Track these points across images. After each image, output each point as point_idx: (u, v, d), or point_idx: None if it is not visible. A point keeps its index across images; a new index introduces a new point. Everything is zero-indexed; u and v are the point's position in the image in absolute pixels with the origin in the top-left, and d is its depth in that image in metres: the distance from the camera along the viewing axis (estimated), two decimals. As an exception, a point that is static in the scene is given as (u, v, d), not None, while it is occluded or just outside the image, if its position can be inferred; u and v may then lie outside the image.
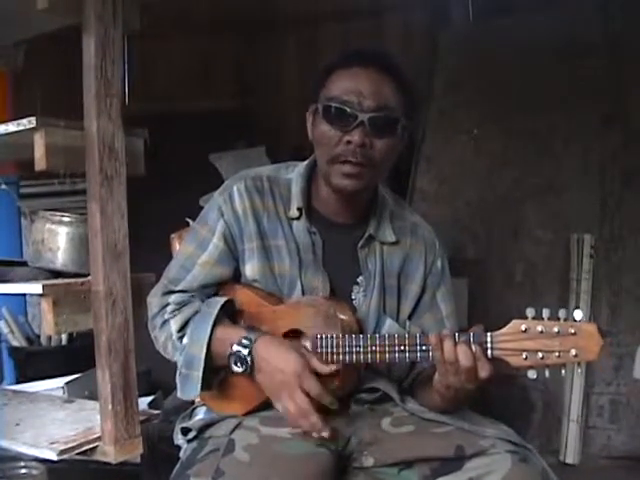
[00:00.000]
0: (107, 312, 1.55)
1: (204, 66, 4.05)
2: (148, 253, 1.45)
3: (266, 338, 1.17)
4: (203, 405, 1.34)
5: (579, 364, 1.01)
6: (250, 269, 1.27)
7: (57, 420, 1.73)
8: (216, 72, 4.05)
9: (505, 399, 2.81)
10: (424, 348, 1.10)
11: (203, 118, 3.67)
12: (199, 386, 1.18)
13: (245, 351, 1.15)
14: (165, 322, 1.27)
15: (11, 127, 1.60)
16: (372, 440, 1.20)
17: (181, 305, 1.27)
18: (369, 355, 1.13)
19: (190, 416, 1.35)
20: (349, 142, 1.17)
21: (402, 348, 1.11)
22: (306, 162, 1.34)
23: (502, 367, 1.06)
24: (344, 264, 1.29)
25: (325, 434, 1.10)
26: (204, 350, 1.17)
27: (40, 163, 1.56)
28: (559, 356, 1.00)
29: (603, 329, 3.02)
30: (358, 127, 1.17)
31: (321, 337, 1.15)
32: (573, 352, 0.99)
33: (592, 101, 2.99)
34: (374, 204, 1.33)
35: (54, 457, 1.50)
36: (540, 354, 1.01)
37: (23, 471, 1.76)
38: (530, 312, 1.03)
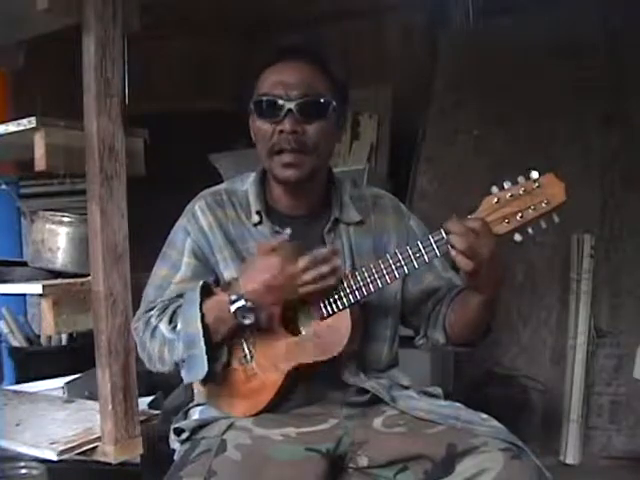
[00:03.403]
0: (107, 312, 1.56)
1: (204, 66, 4.05)
2: (148, 253, 1.44)
3: (244, 278, 1.19)
4: (198, 406, 1.33)
5: (555, 213, 1.10)
6: (228, 275, 1.29)
7: (57, 420, 1.73)
8: (216, 72, 4.04)
9: (505, 399, 2.82)
10: (417, 255, 1.15)
11: (203, 118, 3.66)
12: (205, 362, 1.17)
13: (242, 302, 1.16)
14: (154, 329, 1.25)
15: (11, 127, 1.60)
16: (364, 440, 1.20)
17: (164, 309, 1.27)
18: (370, 285, 1.18)
19: (185, 417, 1.34)
20: (281, 131, 1.23)
21: (398, 264, 1.17)
22: (257, 170, 1.38)
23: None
24: None
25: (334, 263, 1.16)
26: (199, 325, 1.17)
27: (40, 163, 1.57)
28: (534, 209, 1.10)
29: (603, 329, 3.01)
30: (287, 115, 1.22)
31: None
32: (544, 201, 1.09)
33: (592, 101, 2.99)
34: (332, 190, 1.37)
35: (54, 457, 1.50)
36: (518, 215, 1.10)
37: (23, 471, 1.77)
38: (494, 189, 1.13)
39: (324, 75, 1.26)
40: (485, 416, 1.21)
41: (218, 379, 1.25)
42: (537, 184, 1.10)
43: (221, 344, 1.23)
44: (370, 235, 1.35)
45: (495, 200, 1.11)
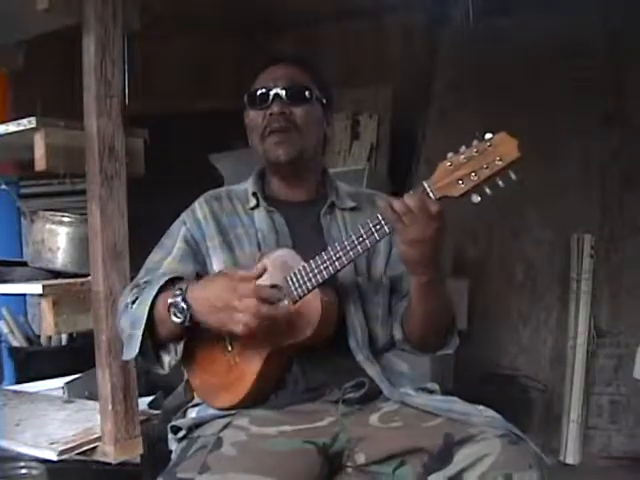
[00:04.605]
0: (107, 312, 1.56)
1: (204, 66, 4.05)
2: (148, 253, 1.45)
3: (196, 282, 1.24)
4: (195, 405, 1.35)
5: (511, 170, 1.09)
6: (216, 263, 1.34)
7: (57, 420, 1.73)
8: (216, 72, 4.04)
9: (505, 399, 2.81)
10: (378, 227, 1.17)
11: (203, 118, 3.66)
12: (138, 344, 1.21)
13: (179, 299, 1.18)
14: (126, 306, 1.30)
15: (11, 127, 1.60)
16: (361, 436, 1.20)
17: (142, 288, 1.30)
18: (337, 263, 1.20)
19: (184, 416, 1.35)
20: (271, 114, 1.34)
21: (361, 239, 1.18)
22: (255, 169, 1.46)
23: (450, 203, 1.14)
24: (310, 237, 1.35)
25: (287, 301, 1.20)
26: (147, 309, 1.21)
27: (40, 163, 1.56)
28: (487, 167, 1.09)
29: (603, 329, 3.00)
30: (275, 100, 1.34)
31: (289, 276, 1.22)
32: (497, 159, 1.08)
33: (592, 101, 2.99)
34: (327, 182, 1.44)
35: (54, 457, 1.50)
36: (472, 175, 1.10)
37: (23, 471, 1.77)
38: (450, 154, 1.14)
39: (308, 75, 1.38)
40: (482, 407, 1.20)
41: (168, 369, 1.29)
42: (489, 144, 1.10)
43: (176, 339, 1.25)
44: (364, 219, 1.36)
45: (448, 164, 1.13)
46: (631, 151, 2.94)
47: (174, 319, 1.19)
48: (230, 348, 1.27)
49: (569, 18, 3.03)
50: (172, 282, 1.26)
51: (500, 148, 1.09)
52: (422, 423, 1.18)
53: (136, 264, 1.60)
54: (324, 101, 1.40)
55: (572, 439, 2.80)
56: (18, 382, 2.81)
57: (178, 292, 1.19)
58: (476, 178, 1.10)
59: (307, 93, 1.36)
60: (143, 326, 1.21)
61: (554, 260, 3.04)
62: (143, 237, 1.69)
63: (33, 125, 1.55)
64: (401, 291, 1.36)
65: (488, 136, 1.11)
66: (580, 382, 2.82)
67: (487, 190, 1.11)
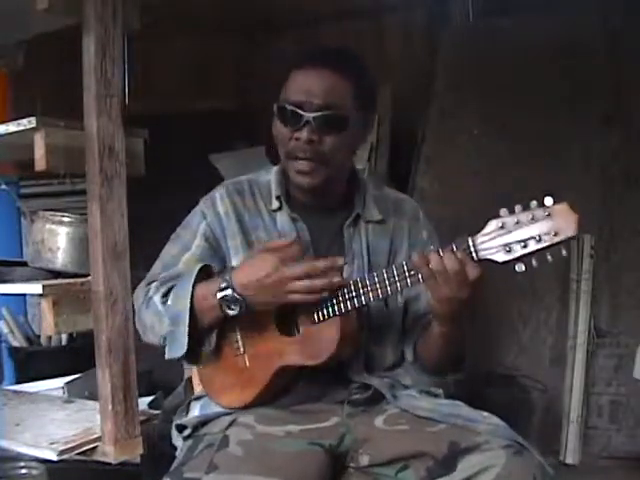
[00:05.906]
0: (107, 312, 1.56)
1: (204, 66, 4.05)
2: (148, 253, 1.45)
3: (237, 269, 1.22)
4: (198, 400, 1.35)
5: (563, 246, 1.02)
6: (236, 263, 1.31)
7: (57, 420, 1.73)
8: (216, 72, 4.04)
9: (505, 400, 2.81)
10: (412, 273, 1.13)
11: (203, 118, 3.66)
12: (186, 340, 1.19)
13: (229, 291, 1.17)
14: (150, 300, 1.28)
15: (11, 127, 1.61)
16: (366, 438, 1.21)
17: (163, 283, 1.29)
18: (363, 297, 1.17)
19: (186, 412, 1.36)
20: (298, 139, 1.24)
21: (392, 280, 1.15)
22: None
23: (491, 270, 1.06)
24: (331, 246, 1.33)
25: (340, 262, 1.17)
26: (187, 303, 1.19)
27: (40, 163, 1.57)
28: (539, 239, 1.01)
29: (603, 329, 2.99)
30: (305, 126, 1.23)
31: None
32: (552, 232, 1.01)
33: (592, 101, 2.99)
34: (355, 187, 1.38)
35: (54, 457, 1.50)
36: (521, 244, 1.02)
37: (23, 471, 1.76)
38: (503, 211, 1.06)
39: (350, 85, 1.26)
40: (486, 414, 1.21)
41: (203, 363, 1.29)
42: (547, 212, 1.02)
43: (210, 330, 1.24)
44: (388, 236, 1.36)
45: (500, 225, 1.05)
46: (631, 151, 2.93)
47: (229, 312, 1.17)
48: (242, 351, 1.26)
49: (569, 18, 3.03)
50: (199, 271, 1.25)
51: (558, 221, 1.02)
52: (427, 428, 1.18)
53: (136, 264, 1.61)
54: (362, 121, 1.31)
55: (572, 439, 2.79)
56: (18, 382, 2.81)
57: (224, 285, 1.17)
58: (524, 248, 1.03)
59: (343, 121, 1.25)
60: (187, 320, 1.18)
61: (554, 260, 3.03)
62: (143, 237, 1.69)
63: (33, 125, 1.55)
64: (416, 312, 1.35)
65: (548, 201, 1.03)
66: (580, 382, 2.82)
67: (534, 262, 1.04)
